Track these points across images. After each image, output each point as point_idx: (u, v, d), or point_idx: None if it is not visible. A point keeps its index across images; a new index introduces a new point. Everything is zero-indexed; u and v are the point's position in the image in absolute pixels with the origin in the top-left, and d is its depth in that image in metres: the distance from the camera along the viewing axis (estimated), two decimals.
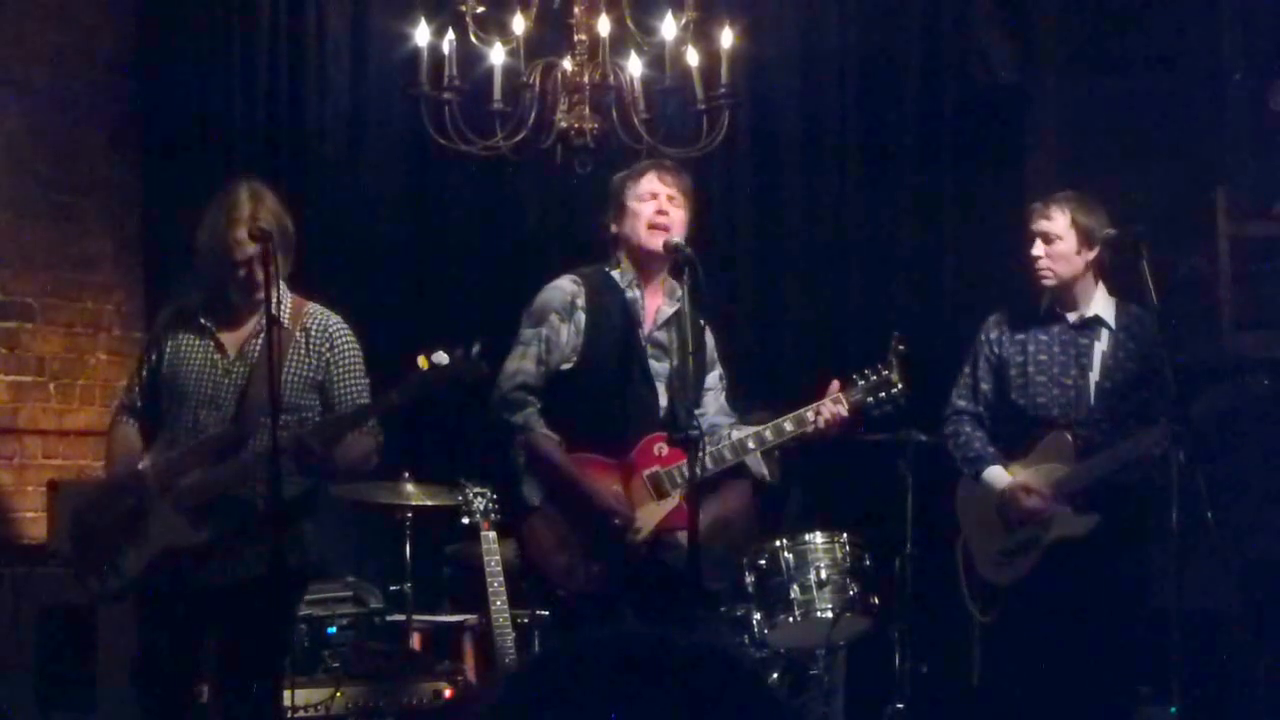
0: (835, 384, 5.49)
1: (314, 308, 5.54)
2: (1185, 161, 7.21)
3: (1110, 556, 5.79)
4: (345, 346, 5.51)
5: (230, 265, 5.39)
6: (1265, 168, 7.22)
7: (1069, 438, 5.86)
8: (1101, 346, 5.91)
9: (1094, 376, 5.89)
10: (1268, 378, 5.80)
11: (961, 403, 6.10)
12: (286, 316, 5.41)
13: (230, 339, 5.50)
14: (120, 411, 5.68)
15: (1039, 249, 5.88)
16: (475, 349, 5.20)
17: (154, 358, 5.57)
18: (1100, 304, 5.94)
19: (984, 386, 6.06)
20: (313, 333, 5.47)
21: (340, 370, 5.48)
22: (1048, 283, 5.90)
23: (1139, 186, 6.33)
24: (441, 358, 5.19)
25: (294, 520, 5.35)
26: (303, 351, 5.44)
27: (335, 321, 5.54)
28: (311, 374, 5.45)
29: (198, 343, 5.50)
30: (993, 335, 6.06)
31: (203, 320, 5.51)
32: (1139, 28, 7.45)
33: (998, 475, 5.97)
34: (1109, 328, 5.92)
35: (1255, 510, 6.73)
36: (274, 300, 5.18)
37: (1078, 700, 5.82)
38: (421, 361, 5.21)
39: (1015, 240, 7.06)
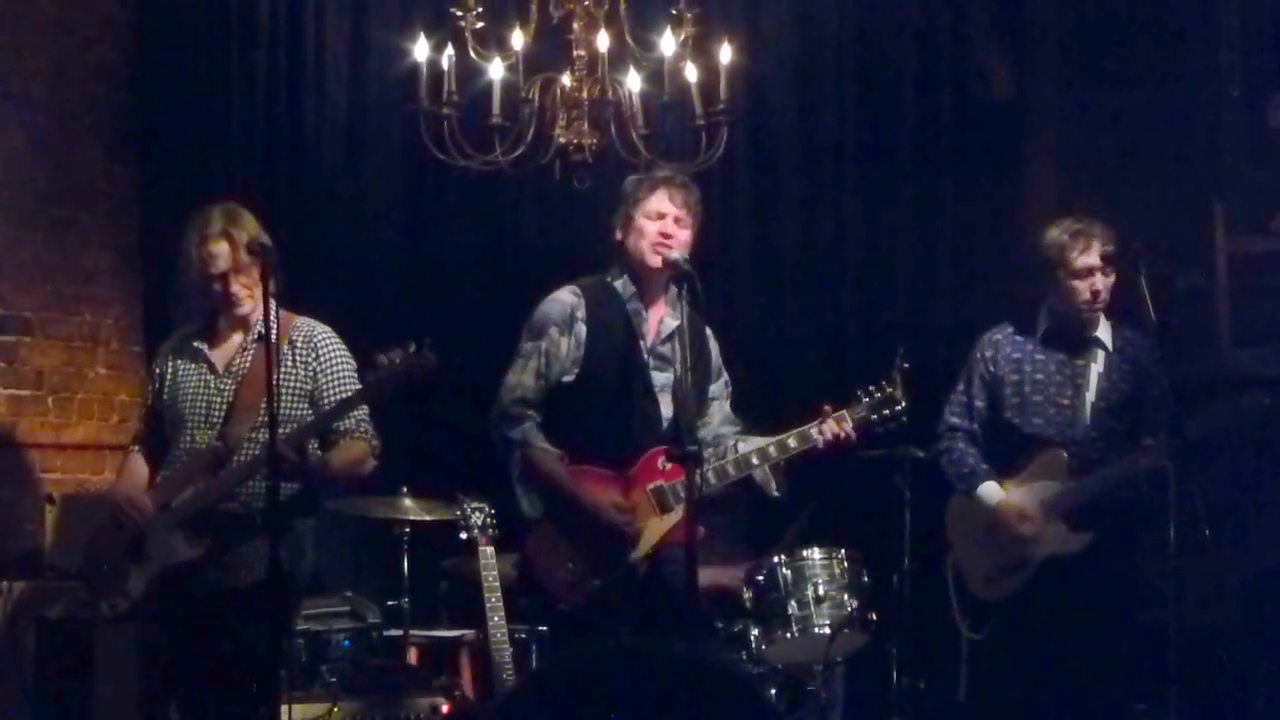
0: (828, 409, 5.48)
1: (302, 320, 5.63)
2: (1183, 177, 7.21)
3: (1103, 573, 5.79)
4: (329, 353, 5.61)
5: (205, 281, 5.51)
6: (1263, 183, 7.23)
7: (1063, 455, 5.88)
8: (1098, 368, 5.93)
9: (1089, 397, 5.91)
10: (1268, 396, 5.80)
11: (955, 420, 6.12)
12: (272, 332, 5.46)
13: (219, 357, 5.65)
14: (131, 442, 5.90)
15: (1102, 283, 5.86)
16: (425, 342, 5.29)
17: (156, 387, 5.75)
18: (1100, 326, 5.95)
19: (978, 404, 6.08)
20: (299, 344, 5.58)
21: (326, 377, 5.59)
22: (1097, 311, 5.90)
23: (1137, 202, 6.34)
24: (395, 353, 5.29)
25: (286, 526, 5.40)
26: (290, 364, 5.54)
27: (320, 331, 5.64)
28: (300, 384, 5.57)
29: (193, 367, 5.65)
30: (988, 354, 6.08)
31: (195, 344, 5.66)
32: (1136, 43, 7.46)
33: (991, 491, 6.00)
34: (1105, 349, 5.94)
35: (1253, 526, 6.73)
36: (270, 312, 5.25)
37: (1071, 717, 5.82)
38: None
39: (1013, 253, 7.09)
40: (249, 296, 5.53)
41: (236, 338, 5.64)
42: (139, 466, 5.73)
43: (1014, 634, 5.93)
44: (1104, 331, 5.97)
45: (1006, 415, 6.00)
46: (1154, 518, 5.57)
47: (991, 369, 6.05)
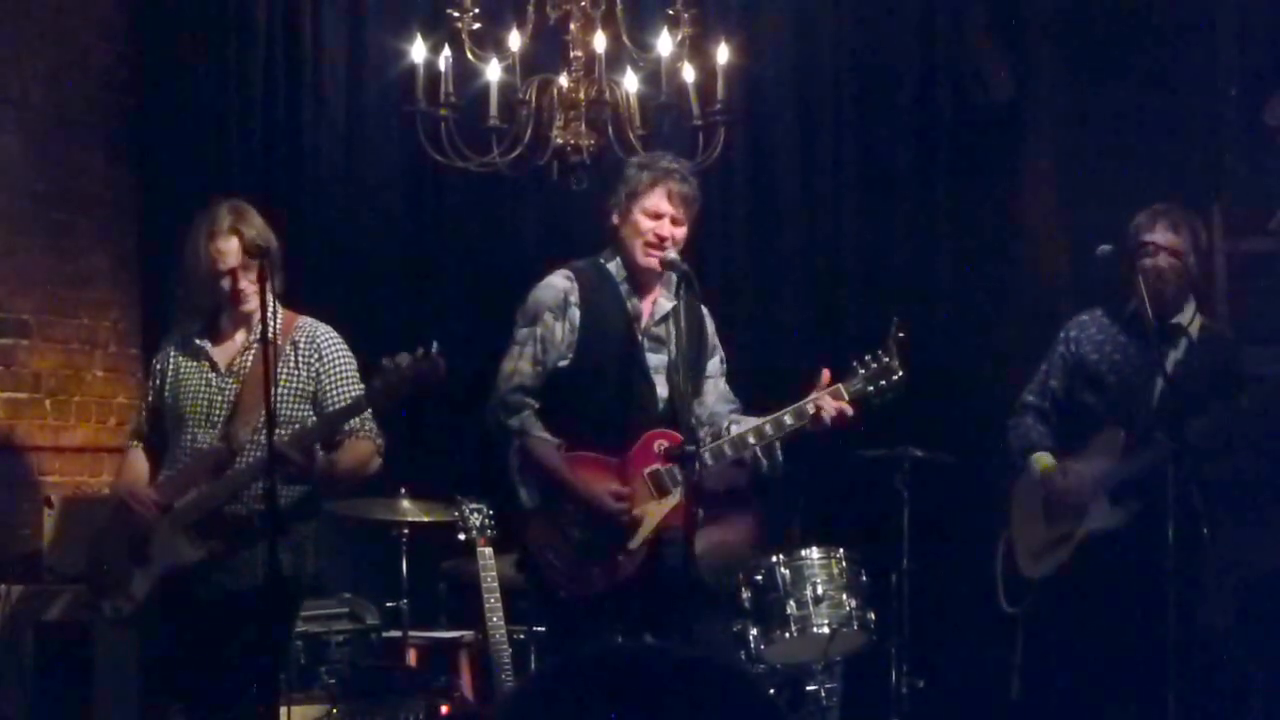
0: (826, 373, 5.47)
1: (304, 321, 5.62)
2: (1181, 176, 7.20)
3: (1139, 554, 5.72)
4: (333, 355, 5.60)
5: (214, 277, 5.51)
6: (1261, 182, 7.21)
7: (1120, 434, 5.83)
8: (1177, 355, 5.86)
9: (1159, 382, 5.83)
10: (1267, 394, 5.78)
11: (1031, 398, 6.11)
12: (276, 331, 5.46)
13: (221, 356, 5.64)
14: (129, 438, 5.89)
15: (1165, 259, 5.82)
16: (434, 348, 5.26)
17: (157, 383, 5.73)
18: (1186, 314, 5.92)
19: (1052, 383, 6.07)
20: (301, 345, 5.57)
21: (329, 379, 5.58)
22: (1163, 289, 5.83)
23: (1135, 202, 6.32)
24: (403, 358, 5.26)
25: (289, 529, 5.39)
26: (293, 364, 5.54)
27: (324, 332, 5.63)
28: (303, 386, 5.56)
29: (194, 365, 5.64)
30: (1072, 334, 6.06)
31: (197, 341, 5.65)
32: (1135, 43, 7.45)
33: (1042, 458, 5.99)
34: (1189, 338, 5.91)
35: (1252, 526, 6.71)
36: (269, 315, 5.24)
37: (1099, 703, 5.80)
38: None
39: (1011, 253, 7.09)
40: (256, 294, 5.52)
41: (239, 336, 5.63)
42: (140, 463, 5.72)
43: (1051, 610, 5.90)
44: (1189, 319, 5.92)
45: (1084, 396, 5.99)
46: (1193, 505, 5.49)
47: (1074, 349, 6.04)
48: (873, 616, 6.28)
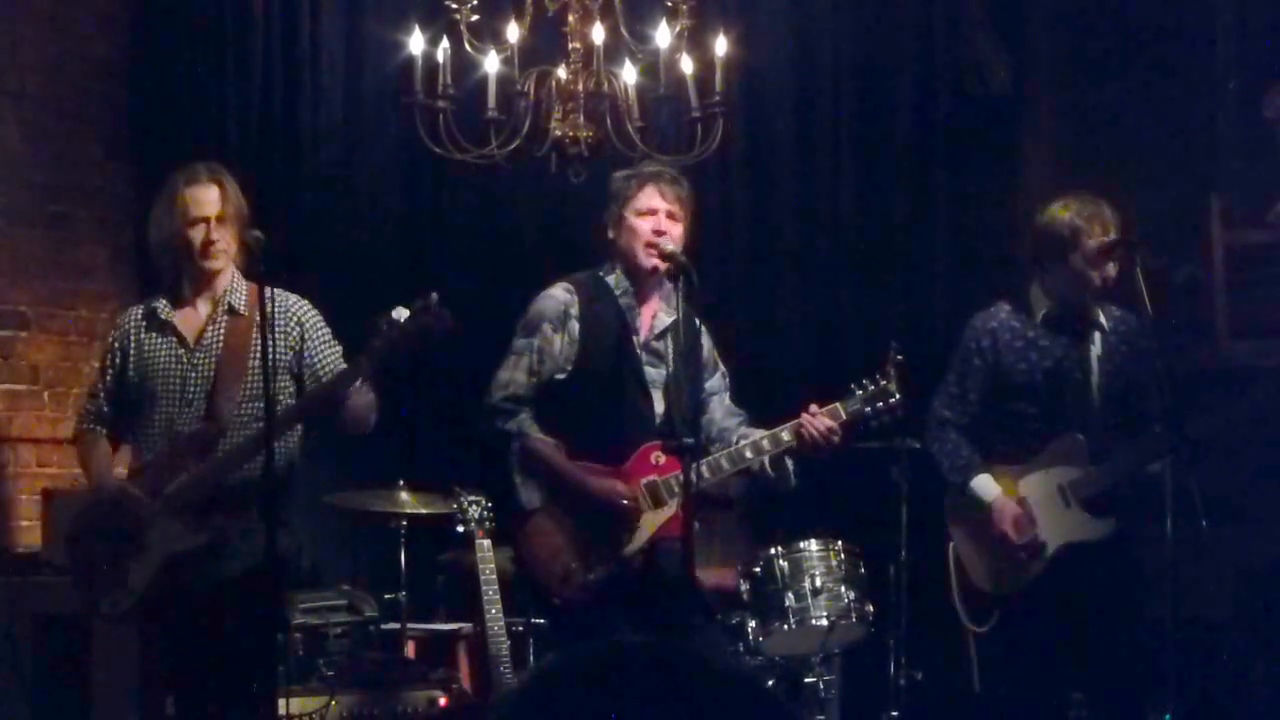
0: (813, 406, 5.46)
1: (272, 292, 5.48)
2: (1179, 169, 7.21)
3: (1122, 561, 5.72)
4: (313, 323, 5.50)
5: (187, 225, 5.34)
6: (1259, 175, 7.22)
7: (1081, 440, 5.76)
8: (1096, 350, 5.83)
9: (1095, 380, 5.81)
10: (1265, 391, 5.76)
11: (946, 413, 5.95)
12: (244, 305, 5.40)
13: (187, 329, 5.45)
14: (87, 421, 5.61)
15: (1114, 270, 5.76)
16: (432, 298, 5.14)
17: (118, 362, 5.51)
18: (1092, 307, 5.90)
19: (971, 397, 5.91)
20: (274, 316, 5.39)
21: (315, 347, 5.47)
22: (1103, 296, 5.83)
23: (1133, 195, 6.33)
24: (401, 312, 5.15)
25: (282, 508, 5.31)
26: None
27: (294, 300, 5.52)
28: (280, 356, 5.36)
29: (160, 340, 5.45)
30: (984, 343, 5.89)
31: (160, 316, 5.46)
32: (1133, 36, 7.46)
33: (985, 485, 5.84)
34: (1102, 330, 5.87)
35: (1250, 518, 6.72)
36: (266, 297, 5.12)
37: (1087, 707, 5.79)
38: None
39: (1009, 248, 7.09)
40: (225, 254, 5.38)
41: (203, 308, 5.46)
42: (106, 449, 5.51)
43: (1027, 625, 5.78)
44: (1095, 313, 5.86)
45: (1016, 406, 5.86)
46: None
47: (991, 359, 5.87)
48: (871, 609, 6.27)
